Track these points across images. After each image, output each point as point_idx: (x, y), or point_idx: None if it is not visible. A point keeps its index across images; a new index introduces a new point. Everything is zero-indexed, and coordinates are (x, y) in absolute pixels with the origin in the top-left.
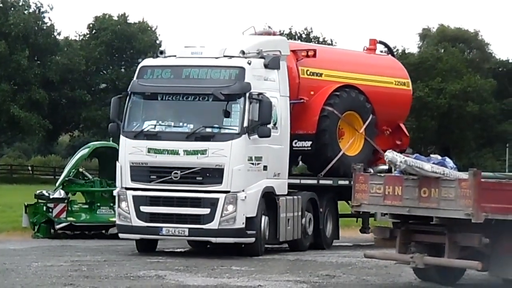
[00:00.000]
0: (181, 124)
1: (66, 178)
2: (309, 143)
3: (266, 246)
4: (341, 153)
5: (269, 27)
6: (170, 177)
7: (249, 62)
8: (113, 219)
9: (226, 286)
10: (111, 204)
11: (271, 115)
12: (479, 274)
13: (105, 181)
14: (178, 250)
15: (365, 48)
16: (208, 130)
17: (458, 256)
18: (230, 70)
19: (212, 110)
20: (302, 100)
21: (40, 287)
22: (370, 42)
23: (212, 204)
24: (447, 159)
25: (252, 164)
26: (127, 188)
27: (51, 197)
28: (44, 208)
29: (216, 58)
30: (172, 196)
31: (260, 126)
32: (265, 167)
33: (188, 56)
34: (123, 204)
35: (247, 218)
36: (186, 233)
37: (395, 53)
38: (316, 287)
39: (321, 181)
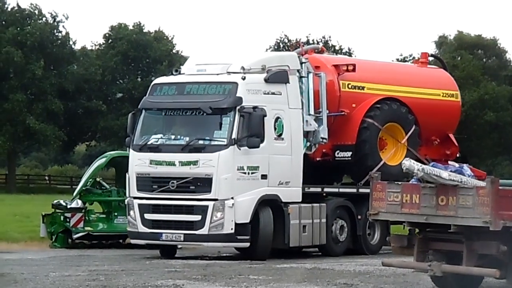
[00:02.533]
0: (179, 137)
1: (83, 188)
2: (349, 154)
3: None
4: (382, 163)
5: (318, 42)
6: (168, 186)
7: (243, 77)
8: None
9: None
10: (127, 215)
11: (261, 127)
12: (497, 282)
13: (122, 191)
14: (194, 257)
15: (415, 61)
16: (201, 142)
17: (476, 264)
18: (224, 86)
19: (206, 123)
20: (343, 113)
21: None
22: (422, 55)
23: (203, 211)
24: (465, 167)
25: (244, 173)
26: (134, 197)
27: (68, 207)
28: (62, 218)
29: (217, 74)
30: (170, 204)
31: (249, 138)
32: (264, 176)
33: (194, 73)
34: (131, 212)
35: (238, 224)
36: (182, 239)
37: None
38: None
39: (361, 190)
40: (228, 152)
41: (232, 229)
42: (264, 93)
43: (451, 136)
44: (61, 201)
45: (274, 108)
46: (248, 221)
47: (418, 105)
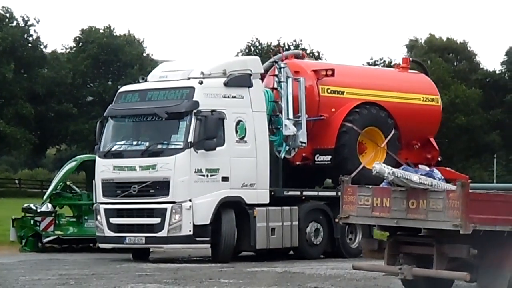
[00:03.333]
0: (140, 142)
1: (54, 192)
2: (328, 157)
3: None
4: (361, 167)
5: (302, 49)
6: (130, 191)
7: (200, 82)
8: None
9: None
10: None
11: (217, 131)
12: (468, 285)
13: (92, 194)
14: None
15: (396, 66)
16: (159, 146)
17: (446, 267)
18: (182, 91)
19: (165, 128)
20: (322, 117)
21: None
22: (403, 60)
23: (162, 214)
24: (435, 170)
25: (202, 175)
26: (100, 203)
27: (38, 210)
28: (32, 221)
29: (178, 80)
30: (132, 208)
31: (206, 141)
32: (224, 178)
33: (156, 80)
34: (98, 217)
35: (197, 226)
36: (143, 241)
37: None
38: None
39: (340, 193)
40: (184, 155)
41: (190, 231)
42: (224, 97)
43: (432, 140)
44: (31, 205)
45: (236, 111)
46: (208, 222)
47: (398, 109)
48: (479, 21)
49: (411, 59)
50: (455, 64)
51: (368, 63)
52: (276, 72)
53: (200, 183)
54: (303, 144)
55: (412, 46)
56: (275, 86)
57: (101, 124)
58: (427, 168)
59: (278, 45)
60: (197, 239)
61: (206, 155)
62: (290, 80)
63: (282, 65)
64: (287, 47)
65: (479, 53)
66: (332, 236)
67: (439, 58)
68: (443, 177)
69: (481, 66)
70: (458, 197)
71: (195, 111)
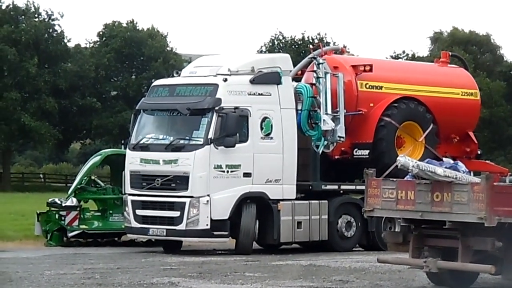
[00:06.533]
0: (165, 137)
1: (78, 186)
2: (367, 152)
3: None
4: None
5: (313, 39)
6: (154, 184)
7: (225, 79)
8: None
9: None
10: (123, 211)
11: (236, 128)
12: (493, 278)
13: (117, 189)
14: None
15: (436, 61)
16: (181, 142)
17: (471, 260)
18: (206, 87)
19: (188, 124)
20: (360, 112)
21: None
22: (442, 55)
23: (181, 207)
24: (460, 163)
25: (222, 171)
26: (128, 194)
27: (63, 205)
28: (57, 216)
29: (205, 76)
30: (156, 201)
31: (226, 138)
32: (246, 174)
33: (187, 75)
34: (126, 208)
35: (215, 220)
36: (164, 233)
37: (408, 58)
38: None
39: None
40: (204, 151)
41: (207, 225)
42: (249, 94)
43: (471, 133)
44: (56, 199)
45: (261, 108)
46: (226, 217)
47: (436, 104)
48: (503, 14)
49: (450, 53)
50: (478, 56)
51: (391, 56)
52: (315, 68)
53: (219, 179)
54: (341, 139)
55: (436, 38)
56: (314, 81)
57: (134, 116)
58: (451, 161)
59: (319, 40)
60: (215, 233)
61: (226, 151)
62: (328, 76)
63: (321, 61)
64: (310, 41)
65: (503, 46)
66: (367, 229)
67: (463, 51)
68: (467, 170)
69: (505, 59)
70: (482, 189)
71: (217, 108)
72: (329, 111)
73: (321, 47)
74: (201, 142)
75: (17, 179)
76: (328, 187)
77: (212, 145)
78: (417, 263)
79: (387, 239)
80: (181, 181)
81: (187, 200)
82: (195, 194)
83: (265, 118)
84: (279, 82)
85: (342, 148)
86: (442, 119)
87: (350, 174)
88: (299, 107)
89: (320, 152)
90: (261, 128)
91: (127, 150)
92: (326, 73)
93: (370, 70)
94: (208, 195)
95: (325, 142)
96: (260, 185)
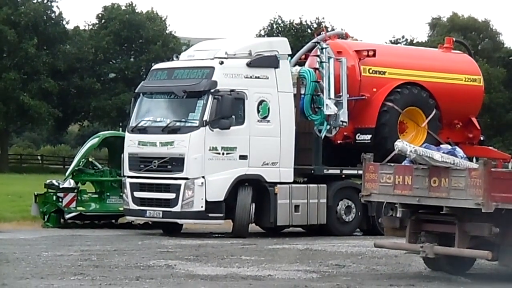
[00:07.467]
0: (162, 119)
1: (76, 168)
2: (369, 137)
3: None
4: None
5: (342, 29)
6: (151, 166)
7: (221, 62)
8: (122, 208)
9: (236, 276)
10: (121, 194)
11: (232, 110)
12: (489, 263)
13: (114, 171)
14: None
15: (440, 46)
16: (177, 124)
17: (468, 246)
18: (203, 70)
19: (185, 106)
20: (363, 97)
21: (50, 276)
22: (446, 40)
23: (177, 189)
24: (457, 149)
25: (218, 153)
26: (127, 176)
27: (61, 186)
28: (54, 197)
29: (203, 60)
30: (152, 183)
31: (220, 120)
32: (242, 156)
33: (185, 58)
34: (125, 190)
35: (210, 202)
36: (161, 215)
37: (403, 43)
38: (325, 277)
39: None
40: (199, 133)
41: (202, 206)
42: (246, 77)
43: (474, 119)
44: (54, 181)
45: (258, 91)
46: (221, 199)
47: (439, 90)
48: (502, 0)
49: (454, 39)
50: (477, 43)
51: (390, 41)
52: (318, 53)
53: (215, 161)
54: (344, 124)
55: (435, 24)
56: (317, 66)
57: (133, 100)
58: (449, 146)
59: (322, 25)
60: (210, 215)
61: (222, 134)
62: (332, 60)
63: (324, 46)
64: (308, 24)
65: (503, 32)
66: (367, 214)
67: (462, 37)
68: (465, 155)
69: (505, 45)
70: (480, 175)
71: (212, 90)
72: (332, 95)
73: (324, 32)
74: (197, 124)
75: (15, 160)
76: (330, 171)
77: (207, 127)
78: (413, 248)
79: (384, 224)
80: (176, 163)
81: (182, 182)
82: (190, 175)
83: (262, 101)
84: (276, 66)
85: (345, 133)
86: (445, 105)
87: (353, 159)
88: (302, 92)
89: (323, 136)
90: (258, 111)
91: (126, 132)
92: (329, 57)
93: (374, 55)
94: (203, 177)
95: (328, 127)
96: (257, 167)
